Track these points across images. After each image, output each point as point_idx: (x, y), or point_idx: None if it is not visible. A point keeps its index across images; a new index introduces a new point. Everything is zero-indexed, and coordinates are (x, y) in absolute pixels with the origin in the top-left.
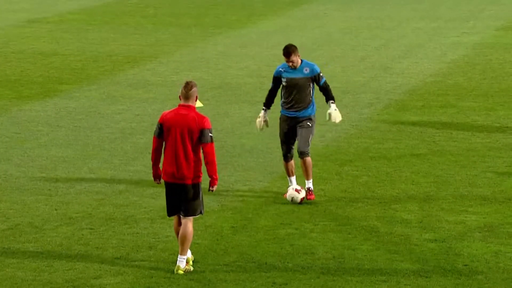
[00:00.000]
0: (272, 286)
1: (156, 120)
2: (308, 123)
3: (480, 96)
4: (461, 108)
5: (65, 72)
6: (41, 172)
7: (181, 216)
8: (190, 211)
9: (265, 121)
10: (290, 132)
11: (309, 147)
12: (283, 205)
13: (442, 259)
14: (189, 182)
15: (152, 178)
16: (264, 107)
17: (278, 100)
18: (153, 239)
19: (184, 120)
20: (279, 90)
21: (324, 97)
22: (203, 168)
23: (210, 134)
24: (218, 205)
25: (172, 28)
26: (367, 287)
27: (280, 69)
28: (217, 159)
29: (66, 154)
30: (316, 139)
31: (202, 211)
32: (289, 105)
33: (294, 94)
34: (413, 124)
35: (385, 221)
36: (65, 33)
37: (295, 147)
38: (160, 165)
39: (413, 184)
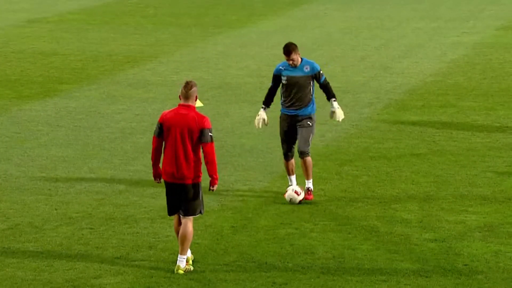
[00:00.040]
0: (272, 286)
1: (156, 120)
2: (309, 122)
3: (480, 96)
4: (461, 108)
5: (65, 72)
6: (41, 172)
7: (181, 215)
8: (190, 211)
9: (264, 120)
10: (290, 130)
11: (309, 147)
12: (283, 205)
13: (442, 259)
14: (189, 182)
15: (152, 178)
16: (263, 106)
17: (278, 99)
18: (153, 239)
19: (184, 119)
20: (279, 89)
21: (324, 97)
22: (203, 167)
23: (210, 134)
24: (218, 205)
25: (172, 28)
26: (367, 287)
27: (280, 67)
28: (217, 159)
29: (66, 154)
30: (316, 138)
31: (202, 211)
32: (289, 103)
33: (294, 93)
34: (413, 124)
35: (385, 221)
36: (65, 33)
37: (295, 146)
38: (160, 165)
39: (413, 184)
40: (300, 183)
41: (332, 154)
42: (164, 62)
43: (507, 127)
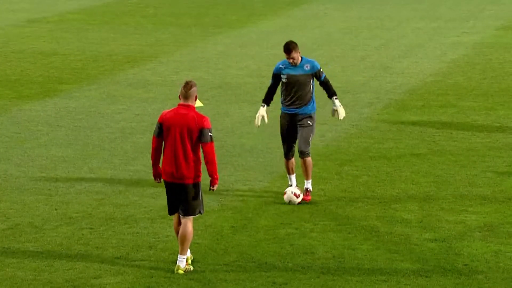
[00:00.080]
0: (272, 286)
1: (156, 120)
2: (309, 121)
3: (480, 96)
4: (461, 107)
5: (65, 72)
6: (41, 172)
7: (180, 215)
8: (189, 211)
9: (263, 116)
10: (291, 129)
11: (310, 147)
12: (283, 205)
13: (442, 258)
14: (188, 181)
15: (152, 178)
16: (263, 104)
17: (278, 99)
18: (153, 239)
19: (183, 119)
20: (279, 88)
21: (323, 97)
22: (203, 167)
23: (209, 134)
24: (218, 205)
25: (172, 28)
26: (367, 286)
27: (280, 65)
28: (217, 158)
29: (66, 154)
30: (316, 138)
31: (202, 211)
32: (289, 102)
33: (294, 91)
34: (413, 124)
35: (385, 220)
36: (65, 33)
37: (296, 146)
38: (160, 165)
39: (413, 184)
40: (300, 183)
41: (332, 154)
42: (164, 62)
43: (507, 127)
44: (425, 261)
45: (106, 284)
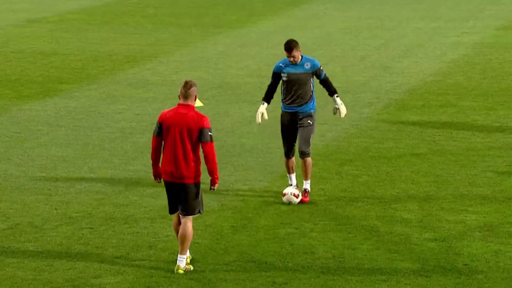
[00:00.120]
0: (272, 285)
1: (156, 120)
2: (309, 121)
3: (480, 96)
4: (461, 107)
5: (65, 72)
6: (41, 171)
7: (180, 215)
8: (188, 211)
9: (263, 113)
10: (291, 128)
11: (310, 147)
12: (283, 205)
13: (442, 258)
14: (188, 181)
15: (152, 178)
16: (263, 102)
17: (278, 98)
18: (153, 239)
19: (183, 119)
20: (279, 87)
21: (323, 97)
22: (203, 167)
23: (209, 133)
24: (218, 205)
25: (172, 28)
26: (367, 286)
27: (281, 64)
28: (217, 158)
29: (66, 153)
30: (316, 138)
31: (201, 211)
32: (290, 100)
33: (295, 90)
34: (413, 123)
35: (385, 220)
36: (65, 33)
37: (296, 145)
38: (160, 164)
39: (413, 184)
40: (299, 182)
41: (332, 154)
42: (164, 62)
43: (507, 126)
44: (425, 261)
45: (106, 284)
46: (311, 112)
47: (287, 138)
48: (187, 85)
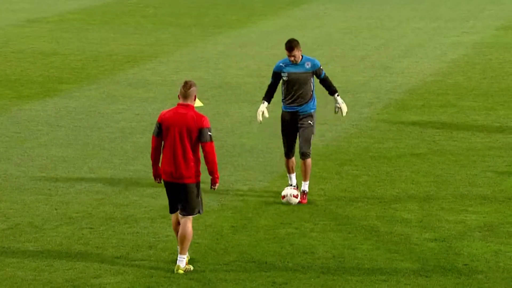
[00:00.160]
0: (272, 285)
1: (156, 120)
2: (309, 121)
3: (480, 96)
4: (461, 107)
5: (65, 72)
6: (41, 171)
7: (180, 215)
8: (188, 211)
9: (263, 112)
10: (292, 127)
11: (311, 147)
12: (283, 205)
13: (442, 258)
14: (187, 181)
15: (152, 178)
16: (263, 101)
17: (279, 98)
18: (153, 239)
19: (182, 119)
20: (279, 86)
21: (323, 97)
22: (203, 167)
23: (209, 133)
24: (218, 205)
25: (172, 28)
26: (367, 286)
27: (281, 64)
28: (217, 158)
29: (66, 153)
30: (316, 138)
31: (201, 211)
32: (290, 100)
33: (295, 89)
34: (413, 123)
35: (385, 220)
36: (65, 33)
37: (296, 145)
38: (160, 164)
39: (413, 184)
40: (299, 183)
41: (332, 154)
42: (164, 62)
43: (507, 127)
44: (425, 261)
45: (106, 284)
46: (311, 112)
47: (287, 137)
48: (187, 85)
